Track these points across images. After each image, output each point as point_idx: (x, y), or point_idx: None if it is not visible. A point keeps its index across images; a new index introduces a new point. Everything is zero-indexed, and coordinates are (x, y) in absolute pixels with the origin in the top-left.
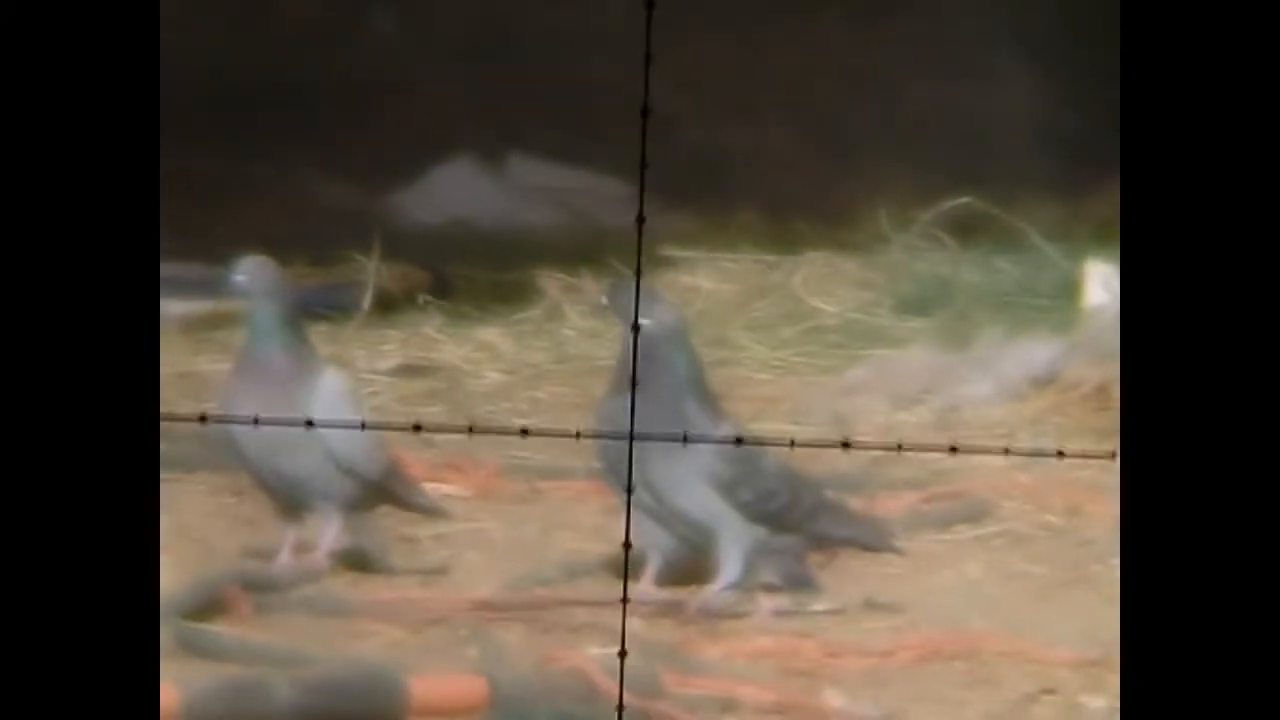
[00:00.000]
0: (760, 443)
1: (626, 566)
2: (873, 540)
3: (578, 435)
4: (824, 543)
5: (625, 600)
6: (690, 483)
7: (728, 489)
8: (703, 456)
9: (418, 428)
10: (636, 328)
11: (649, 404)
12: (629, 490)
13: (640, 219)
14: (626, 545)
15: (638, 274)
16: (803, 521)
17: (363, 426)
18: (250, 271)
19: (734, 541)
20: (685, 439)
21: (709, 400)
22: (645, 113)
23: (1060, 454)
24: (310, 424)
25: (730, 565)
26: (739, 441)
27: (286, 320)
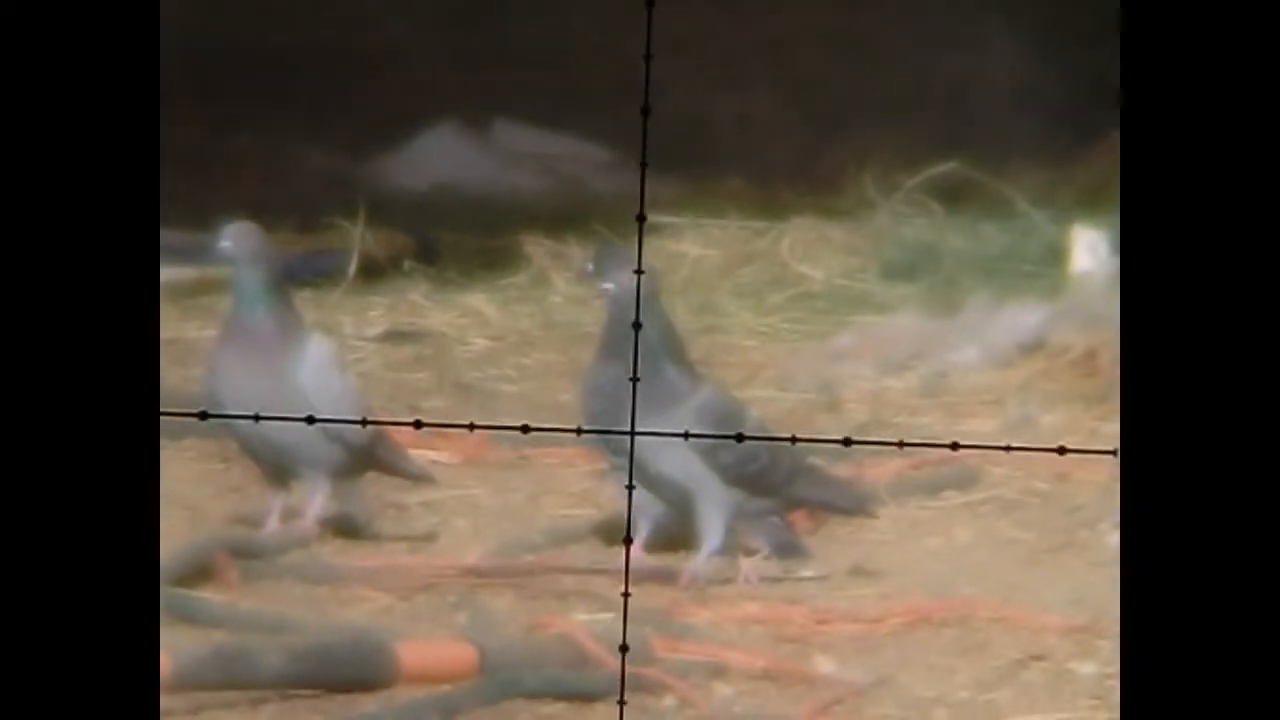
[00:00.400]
0: (761, 438)
1: (627, 563)
2: (849, 504)
3: (579, 431)
4: (801, 506)
5: (626, 595)
6: (670, 445)
7: (709, 451)
8: (684, 418)
9: (419, 424)
10: (638, 325)
11: (627, 369)
12: (630, 487)
13: (641, 217)
14: (627, 541)
15: (639, 273)
16: (780, 485)
17: (363, 423)
18: (235, 237)
19: (714, 506)
20: (686, 436)
21: (685, 362)
22: (645, 112)
23: (1061, 450)
24: (311, 420)
25: (712, 532)
26: (740, 438)
27: (272, 286)
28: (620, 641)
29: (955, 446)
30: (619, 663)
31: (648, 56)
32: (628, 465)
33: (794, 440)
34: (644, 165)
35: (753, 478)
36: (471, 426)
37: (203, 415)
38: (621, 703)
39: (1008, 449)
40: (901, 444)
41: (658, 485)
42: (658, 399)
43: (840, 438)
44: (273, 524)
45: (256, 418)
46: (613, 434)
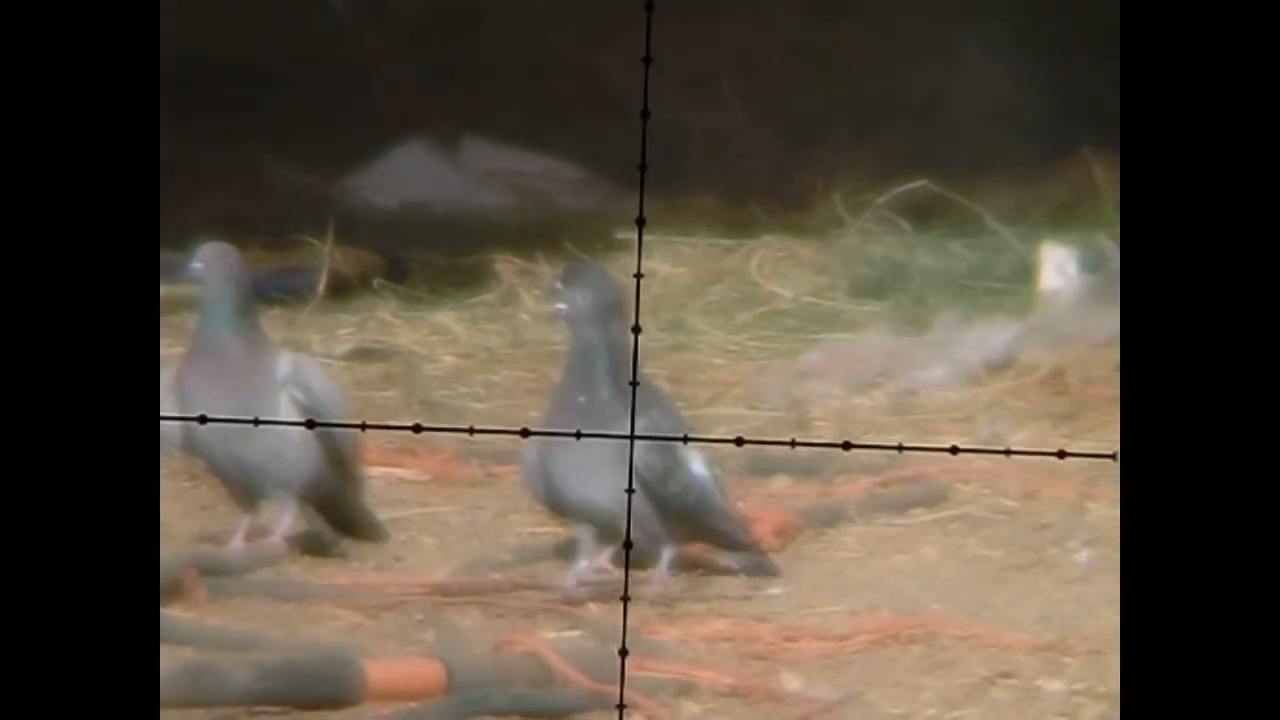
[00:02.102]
0: (761, 442)
1: (627, 565)
2: (743, 541)
3: (578, 435)
4: (707, 540)
5: (626, 598)
6: (602, 473)
7: (659, 481)
8: (625, 447)
9: (418, 428)
10: (638, 329)
11: (576, 391)
12: (629, 490)
13: (640, 220)
14: (627, 545)
15: (638, 276)
16: (701, 515)
17: (363, 427)
18: (208, 258)
19: (647, 537)
20: (685, 439)
21: (622, 385)
22: (645, 115)
23: (1061, 454)
24: (311, 424)
25: (659, 558)
26: (739, 442)
27: (242, 307)
28: (620, 645)
29: (955, 450)
30: (619, 666)
31: (647, 60)
32: (628, 474)
33: (794, 444)
34: (643, 169)
35: (683, 510)
36: (471, 430)
37: (202, 419)
38: (621, 706)
39: (1007, 453)
40: (901, 447)
41: (590, 515)
42: (595, 419)
43: (840, 441)
44: (237, 543)
45: (256, 422)
46: (611, 438)
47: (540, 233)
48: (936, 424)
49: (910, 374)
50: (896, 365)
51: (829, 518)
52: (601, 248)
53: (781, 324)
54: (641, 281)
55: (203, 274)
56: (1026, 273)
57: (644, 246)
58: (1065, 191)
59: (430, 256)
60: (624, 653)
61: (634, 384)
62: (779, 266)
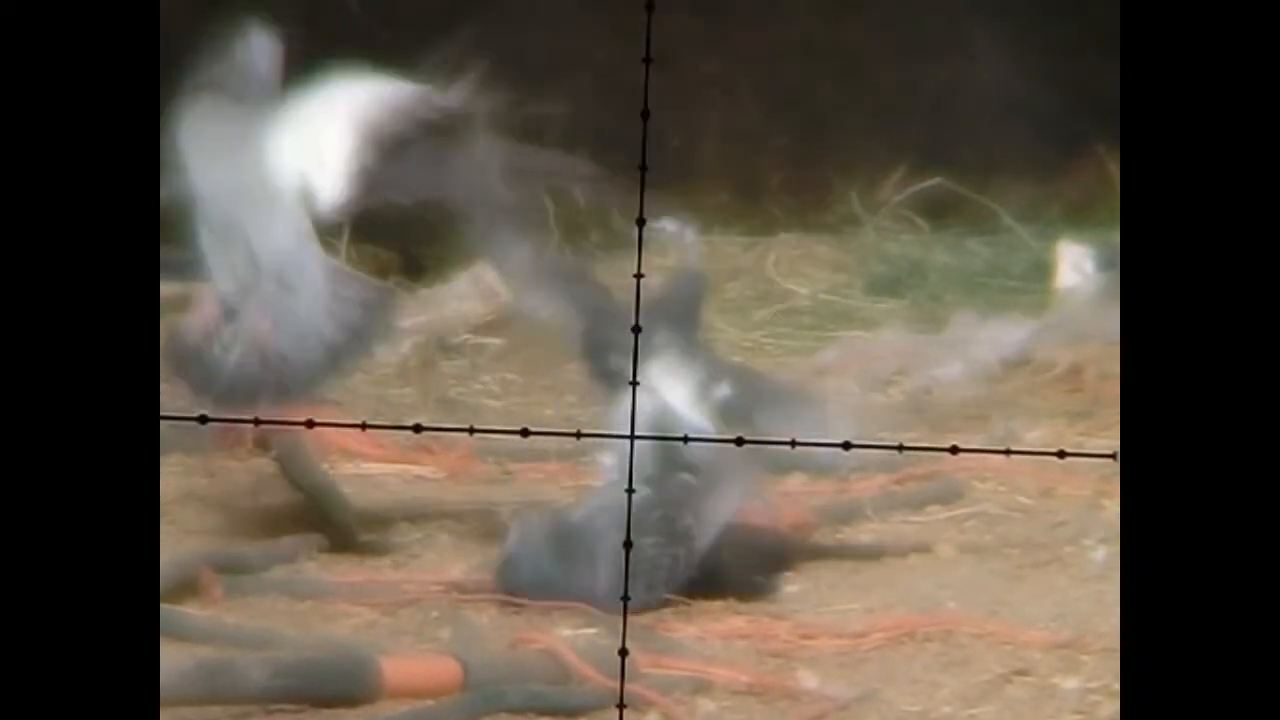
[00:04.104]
0: (762, 442)
1: (627, 565)
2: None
3: (578, 435)
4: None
5: (626, 598)
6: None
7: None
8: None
9: (418, 428)
10: (638, 329)
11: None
12: (630, 490)
13: (640, 220)
14: (627, 545)
15: (638, 276)
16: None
17: (363, 427)
18: (255, 49)
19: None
20: (685, 439)
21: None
22: (645, 115)
23: (1061, 454)
24: (311, 424)
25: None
26: (740, 441)
27: (268, 97)
28: (620, 645)
29: (955, 450)
30: (619, 666)
31: (647, 60)
32: (629, 473)
33: (794, 444)
34: (643, 169)
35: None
36: (471, 430)
37: (203, 419)
38: (621, 706)
39: (1008, 453)
40: (901, 447)
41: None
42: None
43: (840, 441)
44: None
45: (256, 422)
46: (612, 438)
47: (556, 229)
48: (952, 421)
49: (926, 372)
50: (913, 363)
51: (845, 515)
52: (618, 245)
53: (798, 321)
54: (657, 278)
55: (245, 62)
56: (1043, 270)
57: (660, 243)
58: (1081, 189)
59: (445, 253)
60: (624, 653)
61: (634, 384)
62: (796, 264)
